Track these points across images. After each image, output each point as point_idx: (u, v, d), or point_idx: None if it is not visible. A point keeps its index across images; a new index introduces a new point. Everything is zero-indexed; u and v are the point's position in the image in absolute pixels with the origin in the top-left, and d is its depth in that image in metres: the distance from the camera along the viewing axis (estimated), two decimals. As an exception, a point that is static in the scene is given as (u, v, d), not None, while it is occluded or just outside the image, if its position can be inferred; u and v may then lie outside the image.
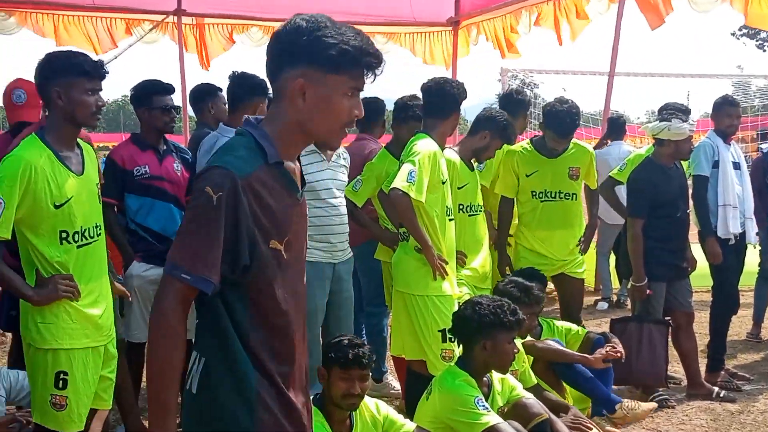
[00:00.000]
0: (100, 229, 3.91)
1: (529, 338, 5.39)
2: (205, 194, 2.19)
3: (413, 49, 11.74)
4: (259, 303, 2.31)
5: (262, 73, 5.46)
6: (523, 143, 6.09)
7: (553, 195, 6.13)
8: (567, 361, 5.38)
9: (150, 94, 5.22)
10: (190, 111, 7.46)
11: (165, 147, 5.38)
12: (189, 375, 2.37)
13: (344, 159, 5.66)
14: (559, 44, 9.81)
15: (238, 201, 2.21)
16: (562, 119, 5.96)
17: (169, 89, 5.33)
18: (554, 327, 5.76)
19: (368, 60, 2.29)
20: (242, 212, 2.21)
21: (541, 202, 6.14)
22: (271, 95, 2.42)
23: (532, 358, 5.34)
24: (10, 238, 3.65)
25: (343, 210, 5.51)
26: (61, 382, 3.74)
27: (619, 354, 5.39)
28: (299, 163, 2.47)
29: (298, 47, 2.25)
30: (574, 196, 6.18)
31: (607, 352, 5.36)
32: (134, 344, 5.31)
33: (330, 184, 5.43)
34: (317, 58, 2.24)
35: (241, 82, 5.35)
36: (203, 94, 6.43)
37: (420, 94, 5.45)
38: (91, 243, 3.83)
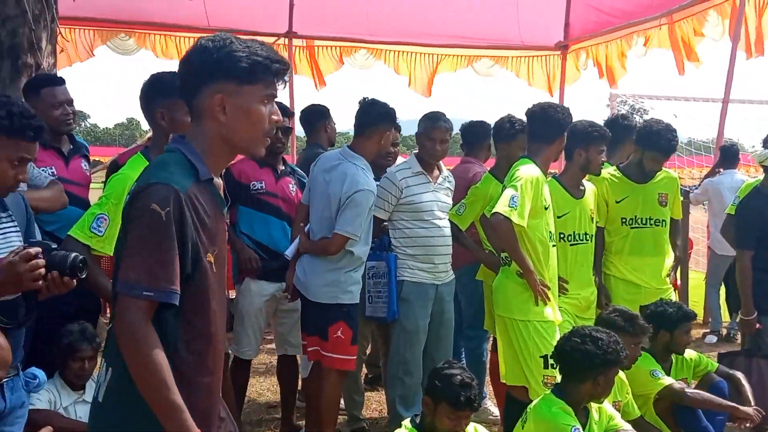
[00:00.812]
0: None
1: (678, 383, 5.23)
2: (151, 211, 2.26)
3: (520, 73, 11.69)
4: (193, 314, 2.37)
5: (382, 97, 5.42)
6: (609, 170, 5.96)
7: (644, 221, 5.94)
8: (718, 410, 5.21)
9: None
10: (298, 131, 7.61)
11: (283, 168, 5.53)
12: (97, 385, 2.44)
13: (449, 182, 5.70)
14: (679, 72, 9.57)
15: (183, 214, 2.29)
16: (663, 137, 5.79)
17: (286, 111, 5.42)
18: (682, 360, 5.55)
19: (277, 67, 2.41)
20: (187, 225, 2.30)
21: (632, 228, 5.94)
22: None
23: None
24: (113, 253, 3.78)
25: (447, 231, 5.55)
26: None
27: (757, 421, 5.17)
28: (221, 179, 2.56)
29: (211, 65, 2.35)
30: (664, 222, 5.98)
31: (750, 425, 5.12)
32: (241, 360, 5.47)
33: (434, 205, 5.48)
34: (231, 72, 2.35)
35: (371, 109, 5.25)
36: (317, 115, 6.58)
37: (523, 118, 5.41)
38: None
